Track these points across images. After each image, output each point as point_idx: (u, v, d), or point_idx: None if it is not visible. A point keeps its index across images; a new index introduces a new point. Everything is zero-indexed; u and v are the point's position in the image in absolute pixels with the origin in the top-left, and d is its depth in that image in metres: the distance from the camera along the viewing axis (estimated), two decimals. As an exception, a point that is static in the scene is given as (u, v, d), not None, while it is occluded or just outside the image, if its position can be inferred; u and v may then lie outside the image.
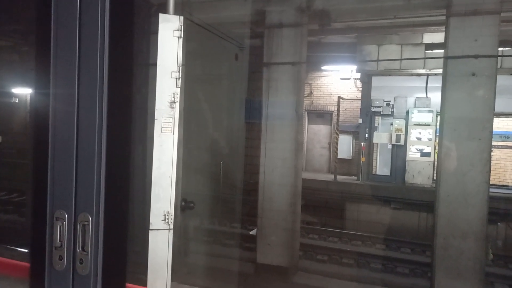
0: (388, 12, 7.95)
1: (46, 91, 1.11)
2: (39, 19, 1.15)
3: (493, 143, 6.22)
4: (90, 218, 1.08)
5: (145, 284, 2.45)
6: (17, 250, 5.43)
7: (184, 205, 2.88)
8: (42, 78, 1.13)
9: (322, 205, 10.20)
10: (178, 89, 2.78)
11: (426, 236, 8.42)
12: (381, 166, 11.49)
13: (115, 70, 1.10)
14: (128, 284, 1.22)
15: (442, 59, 6.14)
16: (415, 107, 10.32)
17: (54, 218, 1.10)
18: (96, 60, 1.09)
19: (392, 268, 7.13)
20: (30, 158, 1.15)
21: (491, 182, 6.02)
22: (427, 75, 10.63)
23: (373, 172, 11.29)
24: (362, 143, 10.98)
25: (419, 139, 10.15)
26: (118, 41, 1.11)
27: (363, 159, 10.83)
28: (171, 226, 2.63)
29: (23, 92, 12.73)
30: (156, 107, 2.72)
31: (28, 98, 12.82)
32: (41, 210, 1.11)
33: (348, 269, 7.19)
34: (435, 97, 10.09)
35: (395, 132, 10.24)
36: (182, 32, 2.81)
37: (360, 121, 11.17)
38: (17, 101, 14.49)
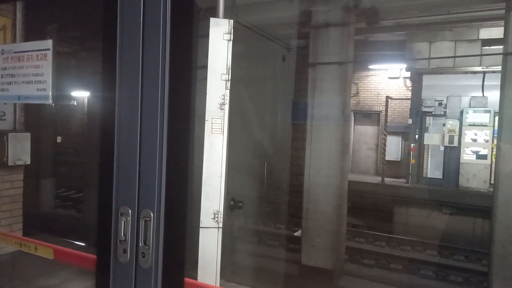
0: (441, 7, 7.60)
1: (112, 93, 1.19)
2: (105, 26, 1.23)
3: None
4: (152, 214, 1.14)
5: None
6: (74, 243, 5.79)
7: (233, 204, 2.94)
8: (109, 81, 1.21)
9: (369, 208, 9.94)
10: (228, 91, 2.85)
11: (482, 243, 7.95)
12: (433, 169, 11.00)
13: (175, 73, 1.16)
14: (186, 279, 1.27)
15: (501, 56, 5.78)
16: (470, 107, 9.78)
17: (119, 214, 1.17)
18: (158, 64, 1.15)
19: (444, 275, 6.81)
20: (97, 158, 1.23)
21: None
22: (484, 72, 10.04)
23: (424, 175, 10.84)
24: (411, 145, 10.57)
25: (474, 140, 9.61)
26: (178, 45, 1.17)
27: (413, 161, 10.43)
28: (220, 225, 2.70)
29: (80, 95, 13.53)
30: (207, 108, 2.80)
31: (86, 100, 13.59)
32: (107, 206, 1.19)
33: (396, 275, 6.95)
34: (493, 96, 9.50)
35: (448, 133, 9.77)
36: (232, 35, 2.87)
37: (410, 121, 10.76)
38: (75, 104, 15.44)
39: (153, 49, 1.16)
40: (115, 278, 1.20)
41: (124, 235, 1.16)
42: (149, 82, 1.16)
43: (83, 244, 5.75)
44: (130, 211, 1.16)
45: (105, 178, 1.21)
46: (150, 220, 1.14)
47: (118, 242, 1.17)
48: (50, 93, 1.78)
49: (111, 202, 1.19)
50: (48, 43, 1.77)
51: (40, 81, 1.77)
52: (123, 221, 1.16)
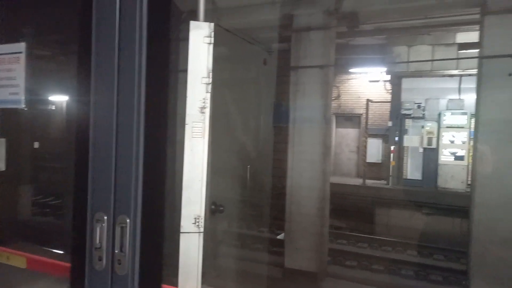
0: (419, 12, 7.77)
1: (86, 97, 1.17)
2: (80, 29, 1.21)
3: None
4: (128, 220, 1.12)
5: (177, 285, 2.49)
6: (53, 251, 5.63)
7: (214, 209, 2.91)
8: (83, 85, 1.18)
9: (351, 209, 10.04)
10: (209, 95, 2.83)
11: (461, 242, 8.11)
12: (412, 170, 11.19)
13: (152, 76, 1.14)
14: (163, 285, 1.25)
15: (476, 59, 5.94)
16: (447, 109, 10.01)
17: (94, 220, 1.14)
18: (133, 68, 1.13)
19: (425, 275, 6.92)
20: (71, 163, 1.20)
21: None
22: (461, 75, 10.30)
23: (404, 176, 11.02)
24: (392, 147, 10.74)
25: (452, 142, 9.83)
26: (155, 48, 1.15)
27: (393, 163, 10.60)
28: (202, 230, 2.67)
29: (59, 99, 13.27)
30: (187, 112, 2.76)
31: (64, 105, 13.33)
32: (82, 212, 1.16)
33: (378, 276, 7.03)
34: (469, 99, 9.77)
35: (427, 135, 9.97)
36: (213, 38, 2.86)
37: (390, 124, 10.94)
38: (53, 108, 15.11)
39: (129, 52, 1.14)
40: (90, 286, 1.17)
41: (99, 242, 1.14)
42: (125, 86, 1.14)
43: (61, 252, 5.60)
44: (105, 217, 1.14)
45: (80, 184, 1.18)
46: (126, 226, 1.12)
47: (94, 249, 1.14)
48: (23, 97, 1.73)
49: (86, 208, 1.16)
50: (21, 46, 1.72)
51: (12, 85, 1.71)
52: (98, 228, 1.14)
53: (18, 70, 1.70)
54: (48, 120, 16.82)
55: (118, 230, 1.13)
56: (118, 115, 1.14)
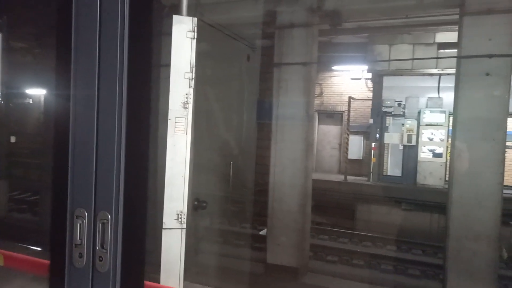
0: (400, 11, 7.89)
1: (66, 92, 1.14)
2: (60, 21, 1.18)
3: (508, 143, 6.13)
4: (109, 216, 1.10)
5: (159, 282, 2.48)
6: (31, 248, 5.52)
7: (196, 205, 2.90)
8: (63, 78, 1.15)
9: (332, 206, 10.16)
10: (191, 90, 2.81)
11: (438, 237, 8.33)
12: (392, 167, 11.41)
13: (133, 71, 1.12)
14: (146, 282, 1.24)
15: (455, 59, 6.07)
16: (427, 107, 10.22)
17: (74, 216, 1.12)
18: (115, 61, 1.11)
19: (403, 269, 7.07)
20: (50, 157, 1.17)
21: (505, 184, 5.93)
22: (440, 75, 10.53)
23: (384, 173, 11.21)
24: (373, 144, 10.91)
25: (431, 139, 10.05)
26: (136, 43, 1.13)
27: (374, 159, 10.76)
28: (184, 226, 2.66)
29: (36, 93, 12.94)
30: (170, 107, 2.75)
31: (42, 99, 13.01)
32: (61, 208, 1.14)
33: (358, 270, 7.15)
34: (448, 97, 9.98)
35: (407, 132, 10.16)
36: (196, 33, 2.84)
37: (371, 121, 11.10)
38: (30, 102, 14.73)
39: (111, 45, 1.12)
40: (70, 284, 1.14)
41: (80, 239, 1.11)
42: (106, 79, 1.12)
43: (39, 249, 5.49)
44: (86, 213, 1.11)
45: (59, 179, 1.16)
46: (108, 223, 1.10)
47: (74, 246, 1.12)
48: (-1, 90, 1.67)
49: (66, 204, 1.13)
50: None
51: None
52: (79, 224, 1.11)
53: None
54: (25, 114, 16.40)
55: (99, 226, 1.11)
56: (99, 109, 1.12)
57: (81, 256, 1.11)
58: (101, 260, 1.10)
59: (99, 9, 1.12)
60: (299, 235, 6.58)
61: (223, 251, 7.62)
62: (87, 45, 1.13)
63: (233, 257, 7.30)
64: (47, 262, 1.17)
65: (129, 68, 1.11)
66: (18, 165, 13.11)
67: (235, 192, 8.89)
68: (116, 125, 1.11)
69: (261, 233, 8.02)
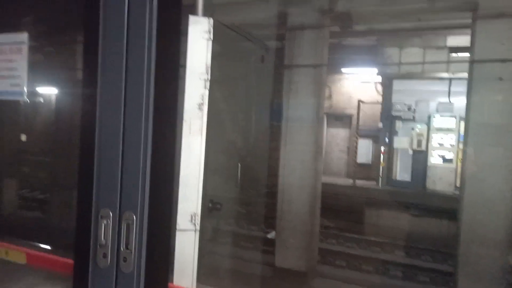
0: (411, 14, 7.83)
1: (93, 92, 1.13)
2: (87, 22, 1.18)
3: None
4: (134, 217, 1.09)
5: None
6: (38, 246, 5.54)
7: (211, 207, 2.89)
8: (90, 80, 1.15)
9: (340, 209, 10.09)
10: (207, 91, 2.80)
11: (448, 244, 8.24)
12: (401, 172, 11.30)
13: (160, 72, 1.12)
14: (170, 284, 1.23)
15: (467, 63, 6.02)
16: (437, 112, 10.12)
17: (99, 217, 1.11)
18: (143, 63, 1.11)
19: (413, 276, 7.00)
20: (77, 157, 1.17)
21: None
22: (450, 79, 10.43)
23: (393, 177, 11.12)
24: (382, 148, 10.83)
25: (441, 144, 9.95)
26: (163, 44, 1.12)
27: (383, 164, 10.68)
28: (198, 227, 2.65)
29: (47, 91, 13.03)
30: (185, 108, 2.74)
31: (54, 98, 13.09)
32: (87, 208, 1.13)
33: (367, 276, 7.09)
34: (458, 102, 9.89)
35: (416, 137, 10.07)
36: (212, 34, 2.83)
37: (380, 125, 11.01)
38: (41, 101, 14.84)
39: (138, 47, 1.11)
40: (94, 284, 1.14)
41: (104, 239, 1.11)
42: (133, 80, 1.11)
43: (48, 247, 5.51)
44: (111, 213, 1.11)
45: (85, 179, 1.15)
46: (133, 223, 1.09)
47: (98, 246, 1.11)
48: (25, 89, 1.67)
49: (91, 204, 1.13)
50: (23, 36, 1.66)
51: (13, 76, 1.65)
52: (103, 224, 1.11)
53: (20, 61, 1.65)
54: (36, 113, 16.53)
55: (124, 226, 1.10)
56: (126, 111, 1.11)
57: (105, 256, 1.11)
58: (125, 261, 1.10)
59: (127, 8, 1.12)
60: (308, 238, 6.54)
61: (231, 254, 7.59)
62: (114, 46, 1.12)
63: (241, 260, 7.28)
64: (71, 261, 1.16)
65: (156, 69, 1.11)
66: (28, 163, 13.22)
67: (245, 193, 8.88)
68: (143, 126, 1.10)
69: (269, 236, 7.99)
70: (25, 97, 1.71)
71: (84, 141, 1.17)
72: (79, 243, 1.16)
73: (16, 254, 1.71)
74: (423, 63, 10.06)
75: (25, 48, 1.65)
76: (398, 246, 8.26)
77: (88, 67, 1.16)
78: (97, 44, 1.13)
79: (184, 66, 2.76)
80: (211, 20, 2.79)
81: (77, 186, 1.17)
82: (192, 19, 2.78)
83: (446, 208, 8.62)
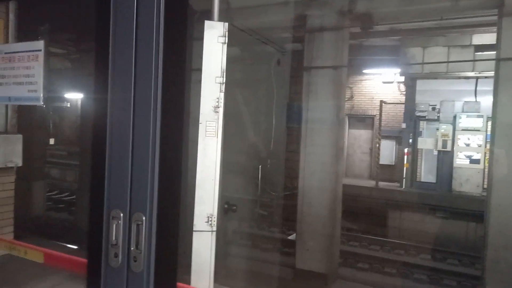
0: (434, 13, 7.66)
1: (104, 96, 1.18)
2: (98, 28, 1.22)
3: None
4: (143, 218, 1.12)
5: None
6: (65, 246, 5.73)
7: (227, 208, 2.92)
8: (101, 83, 1.19)
9: (363, 212, 9.96)
10: (222, 94, 2.84)
11: (475, 247, 7.99)
12: (426, 173, 11.05)
13: (168, 75, 1.15)
14: (178, 284, 1.25)
15: (494, 61, 5.84)
16: (463, 112, 9.85)
17: (111, 217, 1.15)
18: (151, 66, 1.14)
19: (438, 280, 6.82)
20: (89, 160, 1.21)
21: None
22: (477, 78, 10.13)
23: (418, 179, 10.88)
24: (405, 149, 10.62)
25: (467, 145, 9.67)
26: (171, 48, 1.15)
27: (406, 165, 10.47)
28: (214, 228, 2.68)
29: (74, 97, 13.46)
30: (201, 111, 2.79)
31: (79, 102, 13.51)
32: (99, 209, 1.17)
33: (390, 279, 6.96)
34: (485, 101, 9.59)
35: (441, 137, 9.82)
36: (226, 38, 2.87)
37: (404, 126, 10.81)
38: (68, 106, 15.35)
39: (146, 51, 1.14)
40: (106, 283, 1.18)
41: (115, 239, 1.14)
42: (142, 83, 1.15)
43: (74, 247, 5.69)
44: (121, 214, 1.14)
45: (96, 181, 1.19)
46: (142, 224, 1.12)
47: (110, 246, 1.15)
48: (41, 95, 1.75)
49: (103, 205, 1.17)
50: (40, 44, 1.74)
51: (31, 82, 1.73)
52: (114, 225, 1.14)
53: (37, 67, 1.72)
54: (63, 117, 17.08)
55: (134, 227, 1.13)
56: (135, 113, 1.15)
57: (116, 256, 1.14)
58: (135, 261, 1.13)
59: (136, 15, 1.15)
60: (329, 240, 6.48)
61: (251, 255, 7.61)
62: (123, 50, 1.16)
63: (262, 261, 7.29)
64: (84, 260, 1.20)
65: (164, 73, 1.14)
66: (56, 166, 13.67)
67: (264, 195, 8.89)
68: (151, 129, 1.13)
69: (289, 237, 7.97)
70: (41, 102, 1.78)
71: (96, 145, 1.21)
72: (92, 243, 1.20)
73: (35, 253, 1.79)
74: (448, 62, 9.81)
75: (41, 55, 1.72)
76: (423, 249, 8.08)
77: (99, 72, 1.20)
78: (108, 49, 1.17)
79: (200, 70, 2.81)
80: (226, 25, 2.82)
81: (90, 188, 1.21)
82: (207, 24, 2.83)
83: (473, 211, 8.37)
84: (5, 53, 1.85)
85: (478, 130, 9.59)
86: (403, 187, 10.40)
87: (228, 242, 7.01)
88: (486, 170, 9.03)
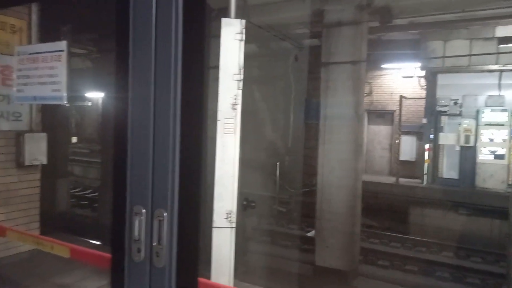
0: (455, 5, 7.47)
1: (125, 94, 1.20)
2: (117, 27, 1.24)
3: None
4: (165, 214, 1.14)
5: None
6: (90, 242, 5.87)
7: (246, 204, 2.93)
8: (122, 81, 1.21)
9: (383, 208, 9.83)
10: (240, 91, 2.85)
11: (500, 244, 7.78)
12: (448, 169, 10.82)
13: (187, 73, 1.16)
14: (200, 278, 1.27)
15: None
16: (486, 106, 9.59)
17: (133, 213, 1.17)
18: (170, 64, 1.15)
19: (461, 277, 6.69)
20: (110, 158, 1.24)
21: None
22: (501, 71, 9.84)
23: (439, 175, 10.67)
24: (426, 144, 10.42)
25: (491, 140, 9.42)
26: (190, 45, 1.17)
27: (427, 161, 10.28)
28: (233, 225, 2.70)
29: (95, 96, 13.73)
30: (219, 108, 2.80)
31: (100, 101, 13.78)
32: (121, 205, 1.20)
33: (411, 277, 6.86)
34: (510, 95, 9.32)
35: (464, 132, 9.59)
36: (244, 35, 2.87)
37: (425, 121, 10.61)
38: (89, 104, 15.67)
39: (165, 49, 1.16)
40: (129, 277, 1.20)
41: (138, 235, 1.17)
42: (161, 81, 1.16)
43: (97, 242, 5.82)
44: (144, 210, 1.17)
45: (119, 178, 1.22)
46: (164, 220, 1.14)
47: (133, 242, 1.17)
48: (65, 94, 1.79)
49: (125, 201, 1.19)
50: (63, 45, 1.78)
51: (54, 82, 1.78)
52: (137, 221, 1.17)
53: (60, 67, 1.77)
54: (84, 116, 17.45)
55: (155, 223, 1.15)
56: (155, 111, 1.17)
57: (139, 251, 1.17)
58: (157, 256, 1.15)
59: (155, 13, 1.17)
60: (349, 237, 6.43)
61: (270, 251, 7.63)
62: (143, 48, 1.18)
63: (282, 258, 7.30)
64: (109, 255, 1.23)
65: (183, 71, 1.15)
66: (78, 163, 14.00)
67: (283, 192, 8.88)
68: (171, 126, 1.15)
69: (308, 234, 7.94)
70: (65, 101, 1.83)
71: (118, 143, 1.24)
72: (115, 238, 1.23)
73: (61, 248, 1.85)
74: (470, 55, 9.56)
75: (64, 55, 1.77)
76: (445, 246, 7.93)
77: (120, 71, 1.22)
78: (128, 48, 1.19)
79: (217, 68, 2.82)
80: (243, 22, 2.83)
81: (112, 184, 1.24)
82: (224, 21, 2.84)
83: (498, 207, 8.15)
84: (29, 53, 1.91)
85: (503, 125, 9.33)
86: (425, 183, 10.21)
87: (247, 238, 7.04)
88: (511, 165, 8.79)
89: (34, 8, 4.39)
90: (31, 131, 4.53)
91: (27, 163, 4.40)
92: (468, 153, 9.69)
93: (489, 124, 9.44)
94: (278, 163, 8.84)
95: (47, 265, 4.06)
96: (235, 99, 2.80)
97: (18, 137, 4.41)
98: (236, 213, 2.70)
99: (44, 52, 1.81)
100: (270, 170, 8.23)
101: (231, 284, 2.60)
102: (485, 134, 9.46)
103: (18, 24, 4.28)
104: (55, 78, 1.77)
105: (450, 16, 8.59)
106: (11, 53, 4.02)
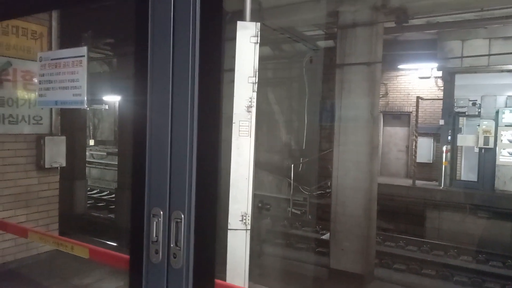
0: (474, 4, 7.34)
1: (144, 98, 1.22)
2: (137, 32, 1.27)
3: None
4: (182, 215, 1.16)
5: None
6: (106, 243, 5.97)
7: (260, 207, 2.94)
8: (141, 86, 1.24)
9: (400, 211, 9.70)
10: (255, 94, 2.86)
11: (521, 249, 7.60)
12: (466, 171, 10.62)
13: (204, 76, 1.18)
14: (216, 280, 1.28)
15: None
16: (506, 107, 9.37)
17: (151, 215, 1.20)
18: (187, 68, 1.17)
19: (480, 282, 6.55)
20: (126, 160, 1.26)
21: None
22: (522, 70, 9.62)
23: (457, 178, 10.47)
24: (444, 146, 10.24)
25: (511, 141, 9.20)
26: (207, 49, 1.18)
27: (445, 163, 10.10)
28: (248, 227, 2.71)
29: (112, 99, 13.95)
30: (234, 111, 2.82)
31: (117, 105, 13.99)
32: (140, 207, 1.22)
33: (428, 281, 6.75)
34: (532, 95, 9.11)
35: (483, 134, 9.40)
36: (259, 38, 2.88)
37: (442, 122, 10.43)
38: (106, 108, 15.93)
39: (183, 53, 1.18)
40: (147, 278, 1.22)
41: (156, 236, 1.19)
42: (179, 85, 1.18)
43: (114, 244, 5.91)
44: (161, 212, 1.19)
45: (137, 181, 1.24)
46: (181, 222, 1.16)
47: (151, 243, 1.20)
48: (85, 98, 1.84)
49: (144, 203, 1.22)
50: (83, 50, 1.83)
51: (75, 86, 1.83)
52: (155, 222, 1.19)
53: (81, 72, 1.82)
54: (101, 119, 17.73)
55: (173, 225, 1.17)
56: (173, 114, 1.19)
57: (157, 252, 1.19)
58: (175, 257, 1.17)
59: (173, 18, 1.19)
60: (364, 240, 6.37)
61: (287, 254, 7.60)
62: (161, 53, 1.20)
63: (296, 261, 7.27)
64: (127, 256, 1.25)
65: (200, 74, 1.17)
66: (95, 166, 14.23)
67: (297, 194, 8.85)
68: (188, 129, 1.17)
69: (323, 237, 7.89)
70: (85, 105, 1.87)
71: (136, 146, 1.26)
72: (133, 240, 1.25)
73: (80, 249, 1.89)
74: (489, 55, 9.37)
75: (84, 61, 1.81)
76: (464, 250, 7.77)
77: (139, 74, 1.25)
78: (146, 52, 1.22)
79: (232, 70, 2.84)
80: (258, 25, 2.84)
81: (131, 187, 1.26)
82: (240, 24, 2.86)
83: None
84: (51, 59, 1.96)
85: (524, 126, 9.11)
86: (442, 186, 10.04)
87: (261, 240, 7.03)
88: (533, 168, 8.57)
89: (54, 14, 4.50)
90: (51, 134, 4.64)
91: (47, 165, 4.51)
92: (487, 155, 9.49)
93: (509, 125, 9.23)
94: (292, 165, 8.83)
95: (66, 266, 4.15)
96: (250, 101, 2.81)
97: (38, 140, 4.52)
98: (251, 215, 2.71)
99: (65, 58, 1.87)
100: (285, 173, 8.22)
101: (246, 286, 2.60)
102: (505, 136, 9.25)
103: (39, 30, 4.40)
104: (76, 82, 1.82)
105: (469, 15, 8.45)
106: (32, 59, 4.13)
